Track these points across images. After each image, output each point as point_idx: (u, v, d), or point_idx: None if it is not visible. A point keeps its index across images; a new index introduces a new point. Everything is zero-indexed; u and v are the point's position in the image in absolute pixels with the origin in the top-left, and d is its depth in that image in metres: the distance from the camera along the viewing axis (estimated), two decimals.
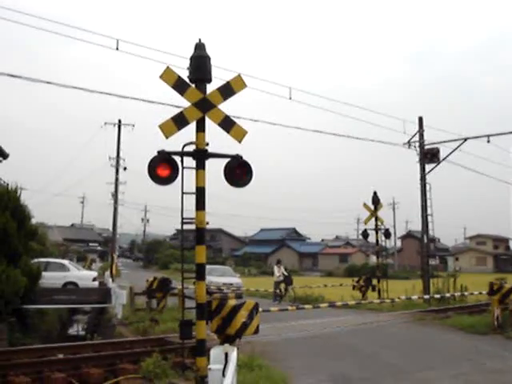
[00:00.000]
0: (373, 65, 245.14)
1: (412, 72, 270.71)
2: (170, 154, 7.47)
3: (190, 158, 7.56)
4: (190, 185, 7.61)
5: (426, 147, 24.53)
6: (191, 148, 7.61)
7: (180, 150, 7.61)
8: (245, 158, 7.81)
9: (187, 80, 7.60)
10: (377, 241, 23.18)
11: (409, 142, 24.52)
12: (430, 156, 24.39)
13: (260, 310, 9.26)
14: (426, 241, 24.31)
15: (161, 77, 7.40)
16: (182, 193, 7.69)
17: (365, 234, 23.92)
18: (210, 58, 7.70)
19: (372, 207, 22.98)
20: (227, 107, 7.80)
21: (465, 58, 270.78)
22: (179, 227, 8.20)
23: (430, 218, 24.13)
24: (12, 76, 13.25)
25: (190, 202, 7.61)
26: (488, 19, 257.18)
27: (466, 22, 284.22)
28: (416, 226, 67.29)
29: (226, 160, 7.82)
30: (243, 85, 7.81)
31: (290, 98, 17.89)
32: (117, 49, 13.86)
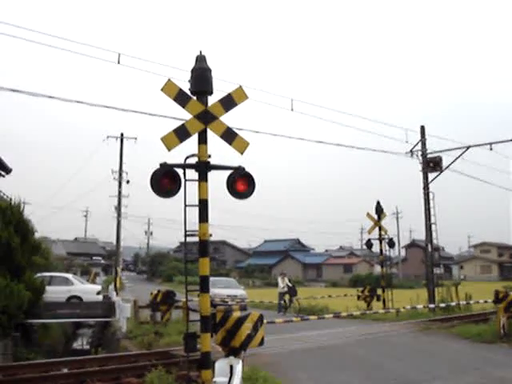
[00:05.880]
0: (375, 74, 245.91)
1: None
2: (172, 166, 7.47)
3: (193, 171, 7.56)
4: (193, 197, 7.59)
5: (429, 156, 24.53)
6: (193, 160, 7.61)
7: (182, 162, 7.61)
8: (247, 169, 7.79)
9: (188, 92, 7.61)
10: (381, 250, 23.07)
11: (411, 151, 24.54)
12: (432, 165, 24.38)
13: (265, 321, 9.21)
14: (430, 250, 24.21)
15: (162, 89, 7.41)
16: (185, 205, 7.66)
17: (369, 244, 23.96)
18: (211, 70, 7.71)
19: (375, 217, 22.93)
20: (229, 119, 7.80)
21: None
22: (183, 240, 8.18)
23: (433, 226, 24.02)
24: (13, 91, 13.26)
25: (194, 214, 7.59)
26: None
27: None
28: (420, 234, 67.27)
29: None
30: (245, 96, 7.81)
31: (292, 110, 17.91)
32: (118, 62, 13.90)
